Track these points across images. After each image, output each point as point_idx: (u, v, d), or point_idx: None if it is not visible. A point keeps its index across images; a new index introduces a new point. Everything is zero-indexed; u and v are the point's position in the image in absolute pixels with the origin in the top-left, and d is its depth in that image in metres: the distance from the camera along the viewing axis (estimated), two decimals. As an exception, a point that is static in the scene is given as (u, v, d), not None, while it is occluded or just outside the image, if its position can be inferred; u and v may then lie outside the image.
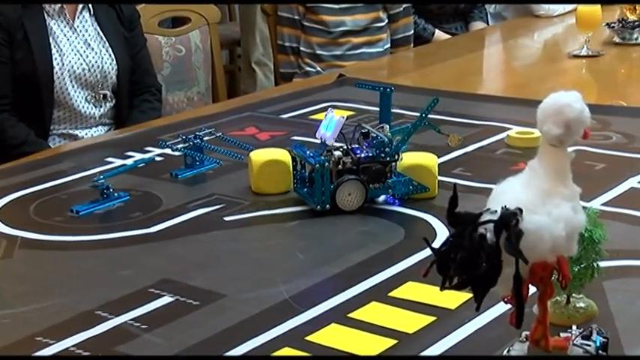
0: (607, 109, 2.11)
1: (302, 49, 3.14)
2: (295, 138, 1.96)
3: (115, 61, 2.39)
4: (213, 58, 3.01)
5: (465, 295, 1.11)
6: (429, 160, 1.58)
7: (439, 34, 3.47)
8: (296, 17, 3.12)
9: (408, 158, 1.57)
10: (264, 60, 4.52)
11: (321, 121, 1.58)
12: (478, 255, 0.88)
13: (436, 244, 0.93)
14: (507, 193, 0.92)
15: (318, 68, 3.10)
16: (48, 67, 2.30)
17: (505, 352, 1.01)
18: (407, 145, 1.57)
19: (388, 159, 1.52)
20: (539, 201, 0.91)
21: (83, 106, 2.37)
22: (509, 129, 1.93)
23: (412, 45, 3.27)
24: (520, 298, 0.91)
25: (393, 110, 1.60)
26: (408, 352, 1.10)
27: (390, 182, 1.53)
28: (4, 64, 2.28)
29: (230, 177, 1.74)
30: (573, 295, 1.14)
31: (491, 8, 3.71)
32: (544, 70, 2.79)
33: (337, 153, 1.53)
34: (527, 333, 1.00)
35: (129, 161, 1.83)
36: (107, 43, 2.39)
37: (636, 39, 2.89)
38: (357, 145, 1.55)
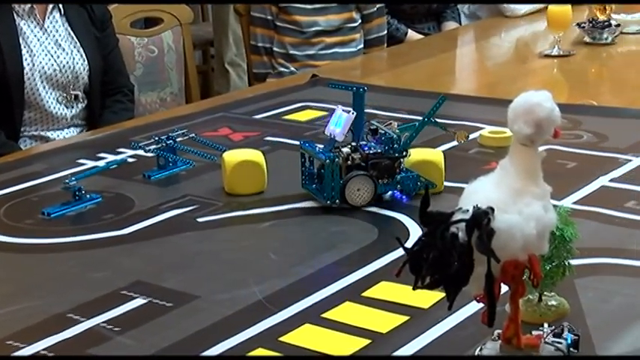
0: (578, 108, 2.13)
1: (275, 49, 3.14)
2: (269, 138, 1.96)
3: (86, 62, 2.37)
4: (185, 59, 3.00)
5: (438, 295, 1.11)
6: (435, 155, 1.60)
7: (412, 34, 3.48)
8: (269, 17, 3.12)
9: (415, 154, 1.59)
10: (238, 60, 4.51)
11: (329, 118, 1.58)
12: (450, 254, 0.89)
13: (409, 244, 0.93)
14: (479, 193, 0.93)
15: (292, 68, 3.10)
16: (18, 68, 2.28)
17: (478, 351, 1.01)
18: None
19: (397, 155, 1.54)
20: (510, 200, 0.92)
21: (54, 107, 2.35)
22: (481, 128, 1.94)
23: (386, 45, 3.27)
24: (492, 297, 0.91)
25: (366, 110, 1.60)
26: (382, 351, 1.10)
27: (399, 178, 1.54)
28: (-27, 65, 2.26)
29: (203, 178, 1.73)
30: (545, 293, 1.15)
31: (465, 8, 3.73)
32: (516, 69, 2.80)
33: (346, 149, 1.54)
34: (500, 331, 1.01)
35: (101, 163, 1.82)
36: (78, 44, 2.37)
37: (606, 39, 2.91)
38: (365, 142, 1.56)
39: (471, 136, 1.92)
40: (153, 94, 2.92)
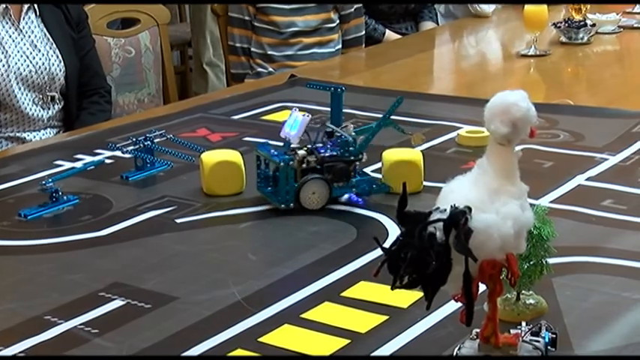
0: (554, 107, 2.14)
1: (253, 49, 3.13)
2: (247, 139, 1.96)
3: (62, 63, 2.36)
4: (163, 60, 2.99)
5: (416, 294, 1.11)
6: (414, 155, 1.61)
7: (390, 34, 3.49)
8: (246, 18, 3.11)
9: (394, 154, 1.59)
10: (216, 61, 4.50)
11: (285, 121, 1.58)
12: (428, 254, 0.89)
13: (388, 244, 0.93)
14: (456, 192, 0.93)
15: (270, 69, 3.10)
16: (-7, 69, 2.26)
17: (456, 350, 1.02)
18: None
19: (352, 158, 1.53)
20: (487, 199, 0.92)
21: (31, 109, 2.33)
22: (459, 128, 1.95)
23: (364, 45, 3.28)
24: (470, 296, 0.92)
25: (345, 110, 1.61)
26: (361, 351, 1.10)
27: (354, 181, 1.54)
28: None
29: (181, 179, 1.73)
30: (523, 292, 1.15)
31: (441, 7, 3.74)
32: (493, 69, 2.82)
33: (301, 152, 1.54)
34: (478, 330, 1.01)
35: (78, 164, 1.81)
36: (54, 45, 2.36)
37: (582, 38, 2.94)
38: (320, 145, 1.56)
39: (449, 136, 1.94)
40: (130, 95, 2.91)
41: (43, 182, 1.60)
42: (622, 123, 2.00)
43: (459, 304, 0.96)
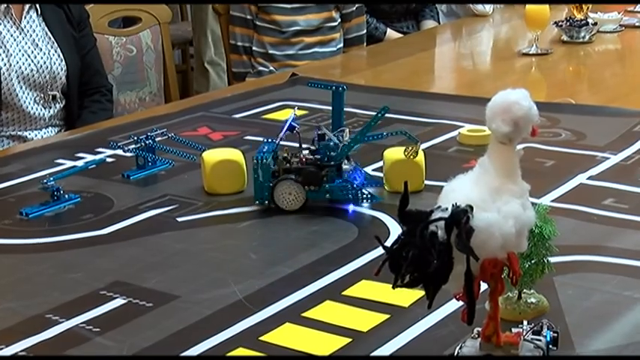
0: (556, 106, 2.14)
1: (254, 48, 3.13)
2: (248, 138, 1.96)
3: (64, 62, 2.36)
4: (164, 58, 2.99)
5: (418, 293, 1.11)
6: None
7: (391, 33, 3.49)
8: (248, 17, 3.11)
9: (395, 153, 1.58)
10: (217, 60, 4.50)
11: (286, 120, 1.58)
12: (429, 252, 0.89)
13: (389, 243, 0.93)
14: (458, 191, 0.93)
15: (271, 68, 3.10)
16: (-6, 68, 2.26)
17: (457, 349, 1.02)
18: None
19: (332, 163, 1.52)
20: (489, 198, 0.92)
21: (32, 108, 2.33)
22: (460, 127, 1.94)
23: (365, 44, 3.28)
24: (471, 295, 0.92)
25: (346, 109, 1.61)
26: (362, 350, 1.10)
27: (328, 187, 1.53)
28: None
29: (183, 177, 1.73)
30: (524, 290, 1.15)
31: (443, 6, 3.74)
32: (495, 68, 2.82)
33: (284, 154, 1.54)
34: (480, 329, 1.01)
35: (79, 163, 1.81)
36: (56, 44, 2.36)
37: (583, 37, 2.93)
38: (313, 147, 1.55)
39: (450, 135, 1.93)
40: (132, 93, 2.91)
41: (45, 181, 1.60)
42: (623, 122, 2.00)
43: (461, 303, 0.96)
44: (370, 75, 2.71)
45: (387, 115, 2.08)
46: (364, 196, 1.53)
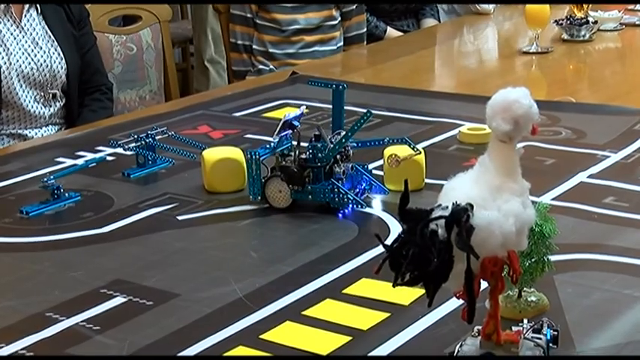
0: (556, 105, 2.14)
1: (255, 47, 3.13)
2: (248, 136, 1.96)
3: (64, 60, 2.36)
4: (165, 57, 2.99)
5: (418, 291, 1.11)
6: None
7: (391, 32, 3.49)
8: (248, 15, 3.11)
9: (395, 151, 1.58)
10: (217, 58, 4.50)
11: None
12: (430, 251, 0.89)
13: (389, 241, 0.93)
14: (458, 189, 0.93)
15: (271, 66, 3.10)
16: (-6, 67, 2.26)
17: (458, 347, 1.02)
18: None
19: (319, 164, 1.52)
20: (489, 196, 0.92)
21: (32, 106, 2.34)
22: (461, 125, 1.94)
23: (365, 43, 3.28)
24: (472, 294, 0.92)
25: (346, 108, 1.61)
26: (363, 348, 1.10)
27: (310, 188, 1.52)
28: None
29: (183, 176, 1.73)
30: (524, 289, 1.15)
31: (444, 5, 3.74)
32: (495, 66, 2.82)
33: (282, 150, 1.55)
34: (480, 327, 1.01)
35: (80, 161, 1.81)
36: (56, 42, 2.36)
37: (584, 36, 2.93)
38: (303, 145, 1.55)
39: (451, 133, 1.93)
40: (132, 92, 2.91)
41: (45, 179, 1.60)
42: (624, 120, 2.00)
43: (461, 302, 0.95)
44: (370, 73, 2.71)
45: (387, 113, 2.10)
46: (349, 200, 1.51)
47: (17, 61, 2.29)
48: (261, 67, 3.11)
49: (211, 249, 1.41)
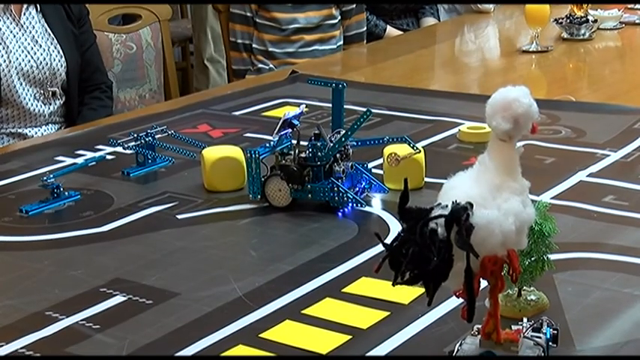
0: (556, 103, 2.14)
1: (254, 46, 3.13)
2: (248, 135, 1.96)
3: (63, 58, 2.36)
4: (164, 56, 2.99)
5: (418, 290, 1.10)
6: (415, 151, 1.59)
7: (391, 31, 3.49)
8: (248, 14, 3.11)
9: (395, 150, 1.58)
10: (217, 57, 4.50)
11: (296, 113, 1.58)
12: (429, 250, 0.89)
13: (389, 240, 0.93)
14: (458, 188, 0.93)
15: (271, 65, 3.10)
16: (-6, 65, 2.26)
17: (457, 346, 1.02)
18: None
19: (319, 163, 1.52)
20: (489, 195, 0.92)
21: (32, 105, 2.33)
22: (460, 124, 1.94)
23: (365, 42, 3.28)
24: (471, 293, 0.92)
25: (346, 106, 1.61)
26: (362, 347, 1.10)
27: (310, 187, 1.52)
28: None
29: (183, 175, 1.73)
30: (524, 288, 1.15)
31: (445, 4, 3.74)
32: (495, 65, 2.82)
33: (282, 149, 1.55)
34: (479, 326, 1.01)
35: (79, 160, 1.81)
36: (55, 40, 2.36)
37: (583, 34, 2.93)
38: (303, 144, 1.55)
39: (450, 132, 1.93)
40: (131, 91, 2.91)
41: (44, 178, 1.60)
42: (624, 119, 2.00)
43: (461, 301, 0.95)
44: (370, 72, 2.71)
45: (387, 112, 2.10)
46: (349, 199, 1.51)
47: (17, 59, 2.29)
48: (260, 66, 3.11)
49: (211, 248, 1.41)
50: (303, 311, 1.19)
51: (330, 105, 1.60)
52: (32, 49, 2.32)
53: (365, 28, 3.29)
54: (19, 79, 2.30)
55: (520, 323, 1.04)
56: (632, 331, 1.12)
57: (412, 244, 0.90)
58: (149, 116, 2.15)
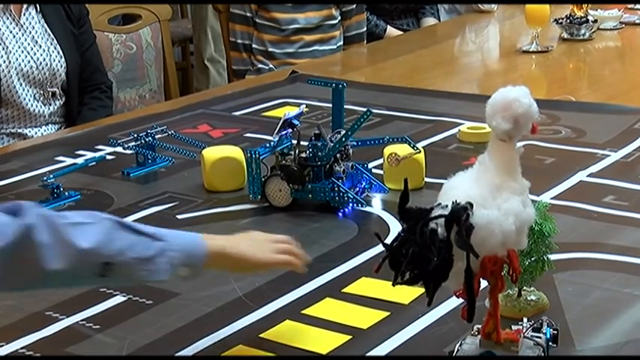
0: (556, 103, 2.14)
1: (254, 46, 3.13)
2: (248, 135, 1.96)
3: (63, 59, 2.36)
4: (164, 56, 2.99)
5: (418, 290, 1.11)
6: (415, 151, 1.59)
7: (391, 31, 3.48)
8: (248, 14, 3.11)
9: (395, 150, 1.58)
10: (217, 57, 4.50)
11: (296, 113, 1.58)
12: (429, 250, 0.89)
13: (389, 240, 0.93)
14: (458, 188, 0.93)
15: (271, 65, 3.09)
16: (-6, 65, 2.26)
17: (457, 346, 1.02)
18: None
19: (319, 163, 1.52)
20: (489, 195, 0.92)
21: (32, 105, 2.33)
22: (460, 124, 1.94)
23: (365, 42, 3.28)
24: (471, 293, 0.92)
25: (346, 106, 1.61)
26: (363, 347, 1.10)
27: (310, 187, 1.52)
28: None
29: (183, 175, 1.73)
30: (524, 288, 1.15)
31: (445, 4, 3.74)
32: (495, 65, 2.82)
33: (282, 149, 1.55)
34: (480, 326, 1.01)
35: (79, 160, 1.81)
36: (55, 40, 2.36)
37: (584, 34, 2.93)
38: (303, 144, 1.55)
39: (451, 132, 1.93)
40: (131, 91, 2.90)
41: (45, 178, 1.60)
42: (623, 119, 2.00)
43: (461, 301, 0.96)
44: (370, 72, 2.71)
45: (387, 112, 2.10)
46: (349, 199, 1.51)
47: (17, 59, 2.29)
48: (260, 66, 3.11)
49: (211, 248, 1.41)
50: (303, 311, 1.19)
51: (330, 105, 1.60)
52: (32, 49, 2.32)
53: (365, 29, 3.28)
54: (18, 79, 2.30)
55: (520, 323, 1.04)
56: (632, 331, 1.12)
57: (412, 244, 0.90)
58: (149, 116, 2.15)
